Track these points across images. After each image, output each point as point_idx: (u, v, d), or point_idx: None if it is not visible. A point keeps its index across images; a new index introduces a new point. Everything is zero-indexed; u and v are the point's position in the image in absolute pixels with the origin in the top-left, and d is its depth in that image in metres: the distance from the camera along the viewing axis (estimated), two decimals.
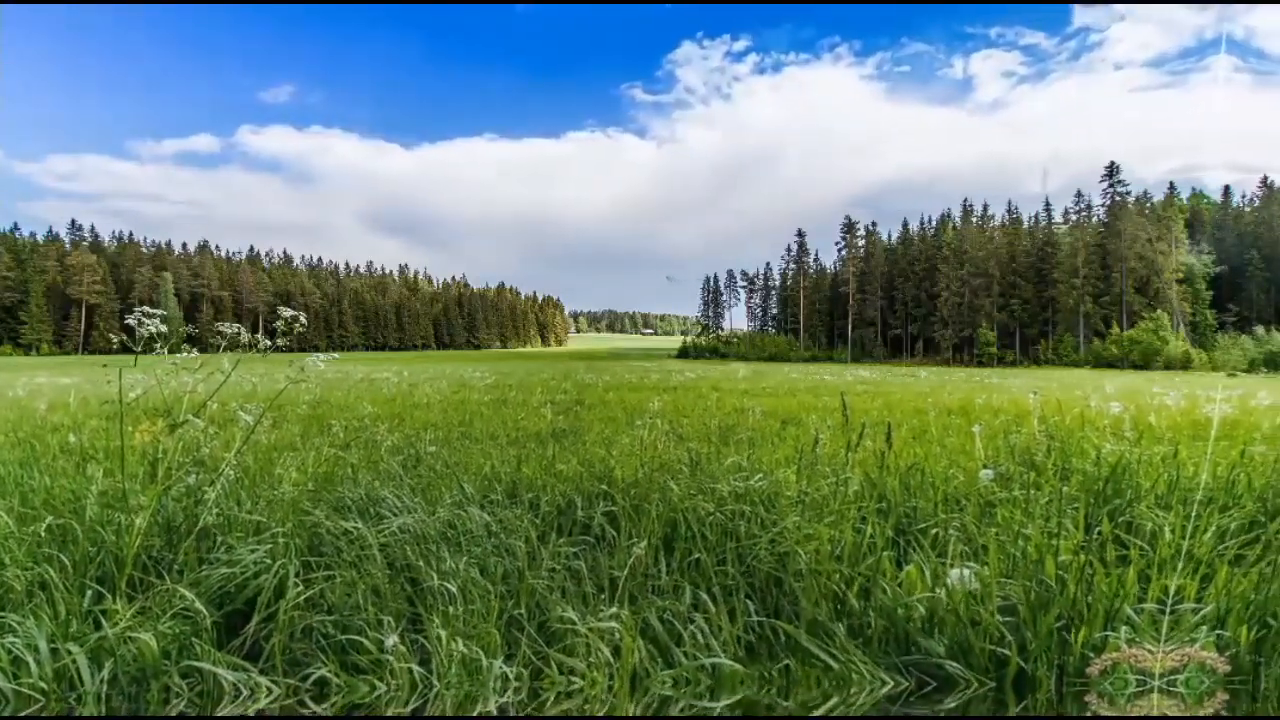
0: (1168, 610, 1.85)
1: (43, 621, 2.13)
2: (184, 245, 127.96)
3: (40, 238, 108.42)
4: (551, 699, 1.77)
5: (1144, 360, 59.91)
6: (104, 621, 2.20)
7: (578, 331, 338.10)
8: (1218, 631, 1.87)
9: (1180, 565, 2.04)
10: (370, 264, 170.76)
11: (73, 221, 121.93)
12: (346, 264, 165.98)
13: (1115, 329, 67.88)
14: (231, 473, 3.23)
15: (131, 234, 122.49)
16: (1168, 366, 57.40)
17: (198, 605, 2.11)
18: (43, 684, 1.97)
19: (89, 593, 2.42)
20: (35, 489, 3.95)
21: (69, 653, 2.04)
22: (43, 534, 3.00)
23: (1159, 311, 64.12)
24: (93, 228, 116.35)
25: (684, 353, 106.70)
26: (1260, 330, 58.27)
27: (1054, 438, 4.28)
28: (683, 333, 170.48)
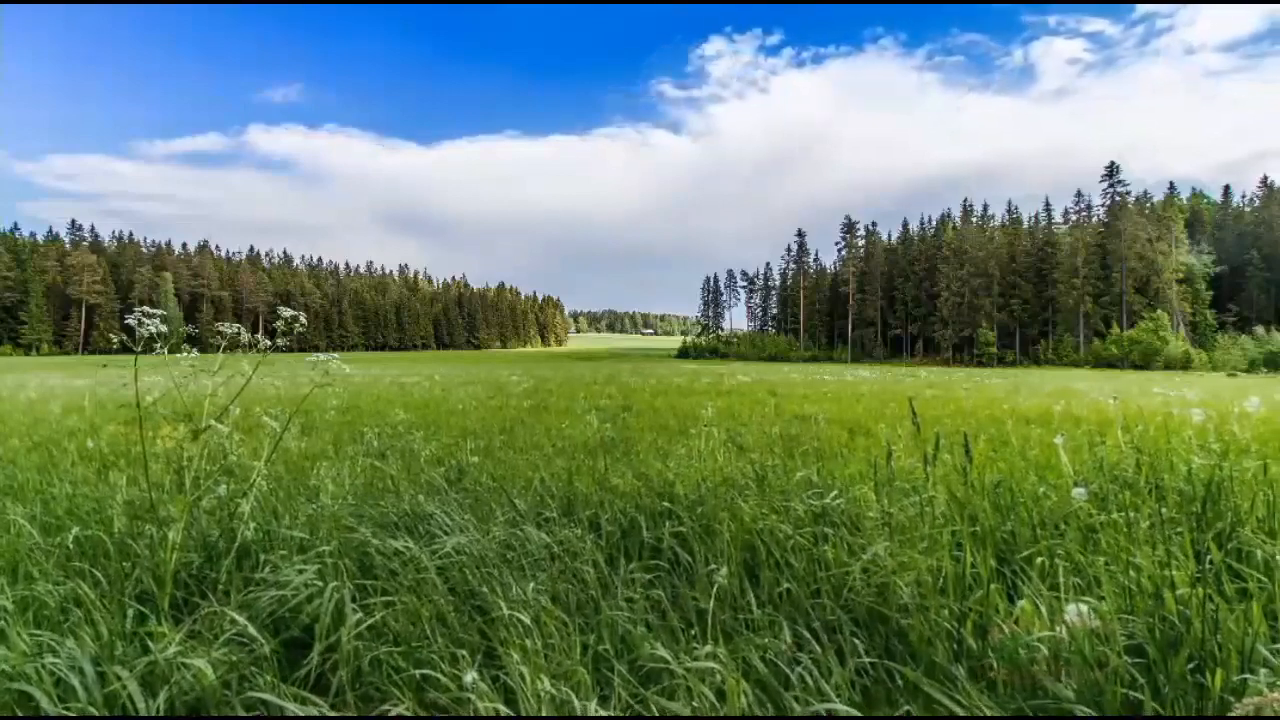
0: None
1: (84, 642, 2.08)
2: (184, 245, 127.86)
3: (40, 238, 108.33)
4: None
5: (1144, 360, 59.91)
6: (151, 644, 2.16)
7: (578, 331, 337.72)
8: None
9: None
10: (370, 264, 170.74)
11: (73, 221, 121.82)
12: (346, 264, 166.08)
13: (1115, 329, 67.89)
14: (264, 483, 3.15)
15: (131, 234, 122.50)
16: (1168, 366, 57.40)
17: (251, 630, 2.07)
18: (92, 709, 1.92)
19: (129, 612, 2.38)
20: (56, 497, 3.91)
21: (117, 677, 1.99)
22: (70, 546, 2.96)
23: (1159, 311, 64.11)
24: (93, 228, 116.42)
25: (684, 353, 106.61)
26: (1260, 330, 58.30)
27: (1142, 451, 4.12)
28: (683, 333, 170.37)
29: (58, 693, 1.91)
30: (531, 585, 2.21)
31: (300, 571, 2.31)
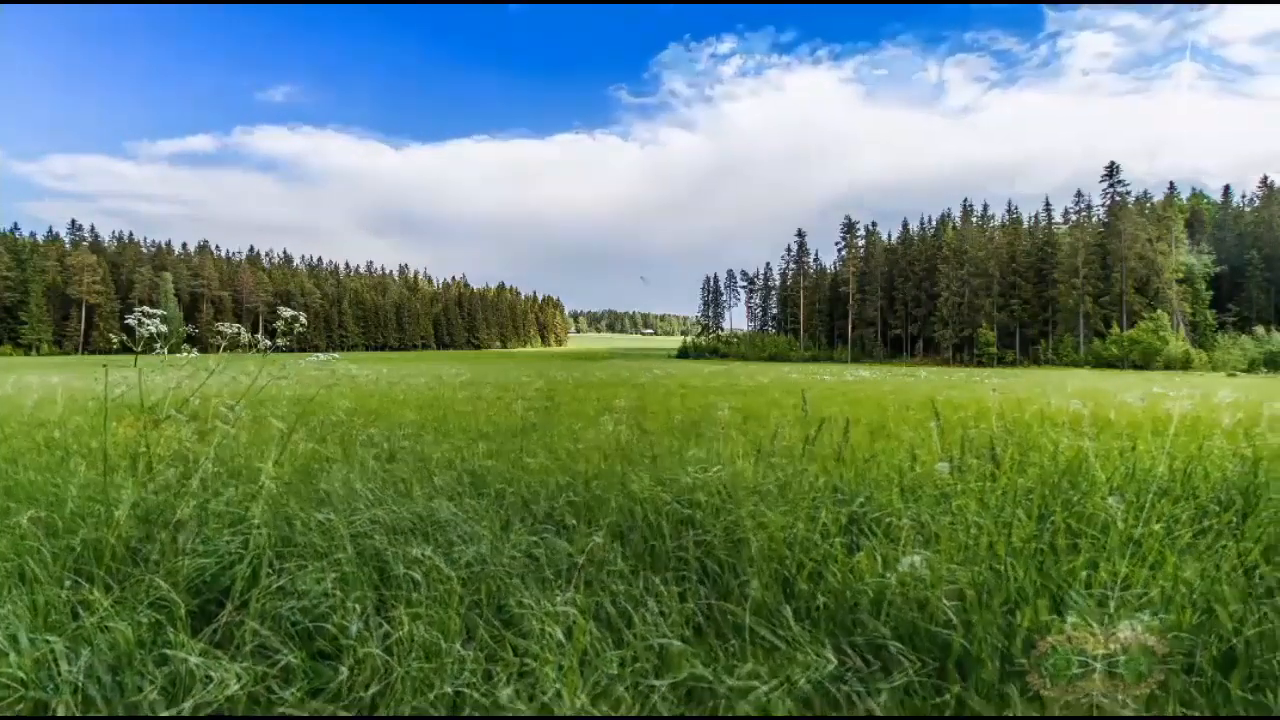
0: (1113, 595, 1.85)
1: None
2: (184, 245, 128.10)
3: (40, 238, 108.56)
4: (504, 680, 1.78)
5: (1144, 360, 59.85)
6: (82, 612, 2.23)
7: (578, 331, 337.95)
8: (1160, 615, 1.89)
9: (1129, 553, 2.05)
10: (370, 264, 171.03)
11: (73, 221, 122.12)
12: (346, 264, 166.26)
13: (1115, 329, 67.85)
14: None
15: (131, 234, 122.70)
16: (1168, 366, 57.33)
17: (172, 595, 2.14)
18: (20, 673, 1.99)
19: (67, 583, 2.46)
20: (20, 483, 3.98)
21: (47, 642, 2.07)
22: (24, 525, 3.03)
23: (1159, 311, 64.07)
24: (93, 228, 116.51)
25: (684, 353, 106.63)
26: (1260, 330, 58.25)
27: (1012, 433, 4.26)
28: (683, 333, 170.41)
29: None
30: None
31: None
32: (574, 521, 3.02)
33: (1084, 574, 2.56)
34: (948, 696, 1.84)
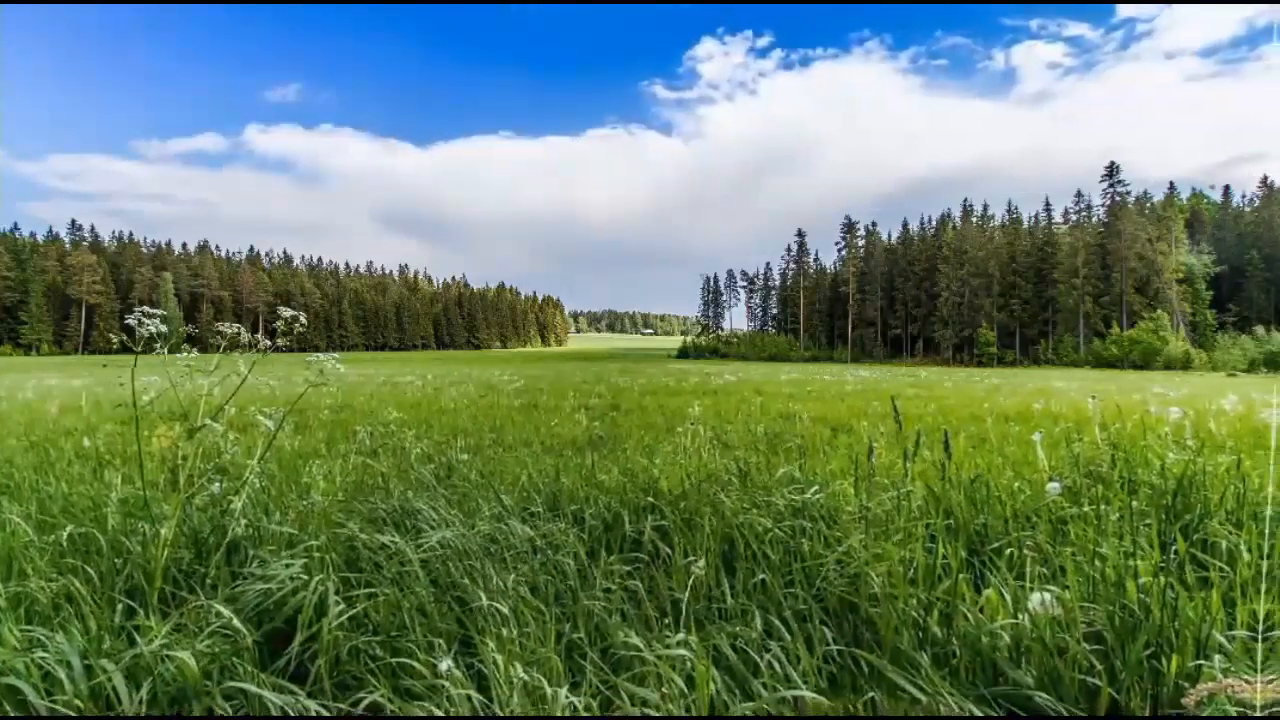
0: (1259, 637, 1.78)
1: (73, 636, 2.09)
2: (184, 245, 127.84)
3: (40, 238, 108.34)
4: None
5: (1144, 360, 59.90)
6: (138, 638, 2.16)
7: (578, 331, 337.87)
8: None
9: (1264, 587, 1.97)
10: (370, 264, 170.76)
11: (73, 221, 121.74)
12: (346, 264, 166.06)
13: (1115, 329, 67.89)
14: (257, 480, 3.15)
15: (131, 234, 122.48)
16: (1168, 366, 57.37)
17: (236, 623, 2.06)
18: (78, 702, 1.92)
19: (119, 607, 2.38)
20: (52, 495, 3.91)
21: (103, 670, 1.99)
22: (64, 543, 2.96)
23: (1159, 311, 64.11)
24: (93, 228, 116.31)
25: (684, 353, 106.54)
26: (1260, 330, 58.31)
27: (1117, 447, 4.15)
28: (683, 333, 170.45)
29: (45, 686, 1.91)
30: (512, 577, 2.21)
31: (287, 566, 2.31)
32: (667, 550, 2.87)
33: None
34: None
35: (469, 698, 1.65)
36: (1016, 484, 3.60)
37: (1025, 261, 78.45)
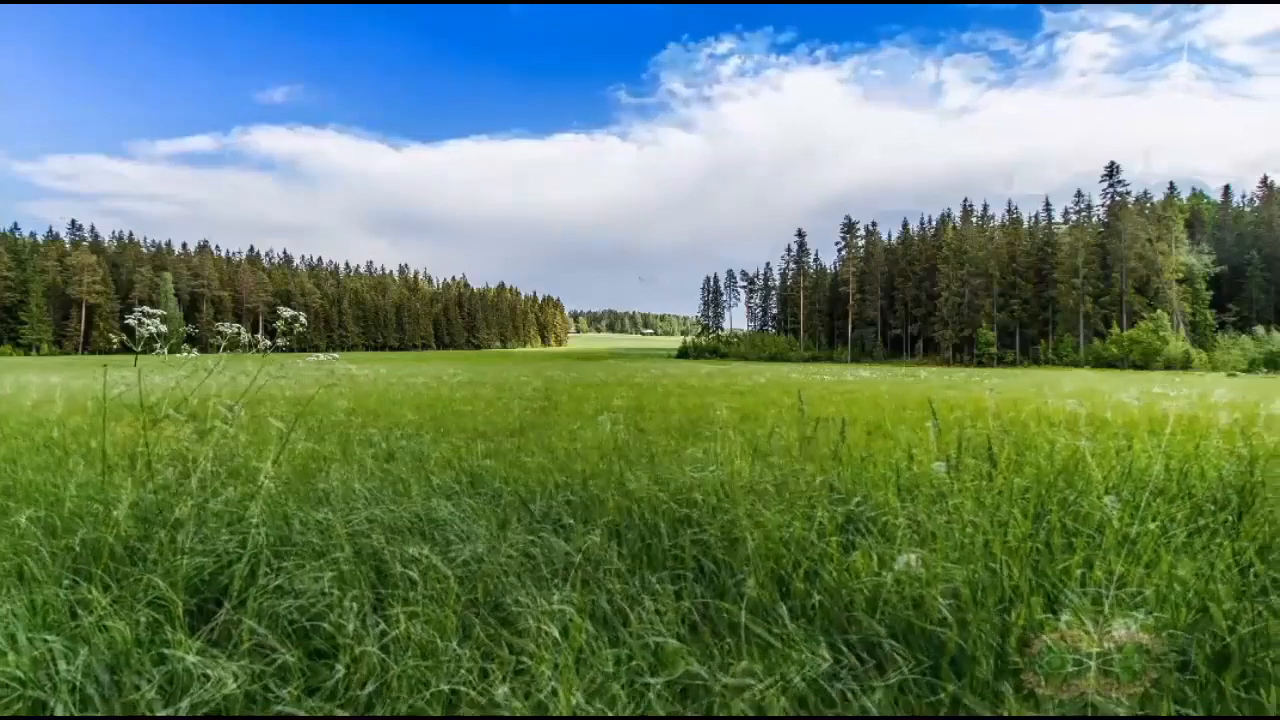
0: (1108, 594, 1.86)
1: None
2: (184, 245, 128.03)
3: (40, 238, 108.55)
4: (500, 678, 1.78)
5: (1144, 360, 59.83)
6: (81, 611, 2.24)
7: (578, 331, 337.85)
8: (1154, 614, 1.90)
9: (1125, 552, 2.06)
10: (370, 264, 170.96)
11: (73, 222, 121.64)
12: (346, 264, 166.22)
13: (1115, 329, 67.83)
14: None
15: (131, 234, 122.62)
16: (1168, 366, 57.30)
17: (171, 594, 2.14)
18: (19, 673, 2.00)
19: (67, 583, 2.46)
20: (18, 483, 3.99)
21: (46, 641, 2.07)
22: (23, 525, 3.04)
23: (1159, 311, 64.03)
24: (93, 228, 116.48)
25: (684, 353, 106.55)
26: (1260, 330, 58.25)
27: (1009, 432, 4.29)
28: (683, 333, 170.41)
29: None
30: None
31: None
32: (571, 521, 3.00)
33: (1079, 573, 2.55)
34: (942, 695, 1.84)
35: (371, 652, 1.71)
36: (904, 464, 3.74)
37: (1025, 261, 78.39)
